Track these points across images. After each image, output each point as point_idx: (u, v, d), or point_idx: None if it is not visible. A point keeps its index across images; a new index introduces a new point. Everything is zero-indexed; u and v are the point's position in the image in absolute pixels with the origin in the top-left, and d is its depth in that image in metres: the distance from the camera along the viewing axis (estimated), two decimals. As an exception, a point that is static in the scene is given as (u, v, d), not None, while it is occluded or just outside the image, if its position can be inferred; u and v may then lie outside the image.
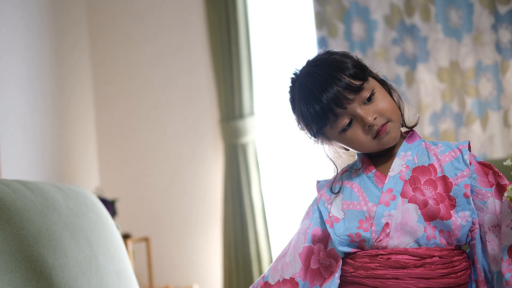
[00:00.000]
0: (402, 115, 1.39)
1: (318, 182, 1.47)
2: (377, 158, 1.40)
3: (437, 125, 3.42)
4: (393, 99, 1.37)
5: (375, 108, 1.32)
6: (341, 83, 1.30)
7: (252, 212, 3.77)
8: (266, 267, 3.72)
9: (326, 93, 1.30)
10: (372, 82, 1.35)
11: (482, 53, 3.33)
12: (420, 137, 1.41)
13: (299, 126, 1.41)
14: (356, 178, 1.39)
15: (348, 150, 1.41)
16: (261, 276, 1.48)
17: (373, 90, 1.33)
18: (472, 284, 1.35)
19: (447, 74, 3.40)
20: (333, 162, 1.44)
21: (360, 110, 1.32)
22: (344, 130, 1.33)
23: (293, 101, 1.39)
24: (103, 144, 4.10)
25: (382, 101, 1.33)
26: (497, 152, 3.29)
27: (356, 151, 1.42)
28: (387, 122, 1.33)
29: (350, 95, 1.31)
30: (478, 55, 3.34)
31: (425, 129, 3.41)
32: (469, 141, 1.39)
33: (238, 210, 3.79)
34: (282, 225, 3.83)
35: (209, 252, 3.94)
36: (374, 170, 1.37)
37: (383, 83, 1.39)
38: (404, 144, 1.38)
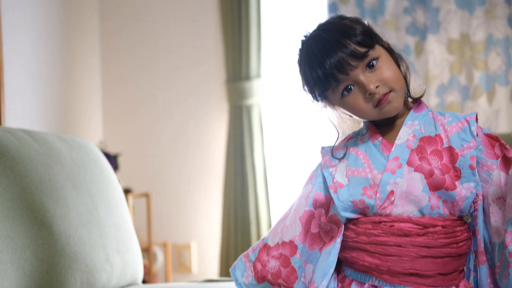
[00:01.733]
0: (407, 86, 1.38)
1: (323, 147, 1.47)
2: (383, 126, 1.39)
3: (444, 97, 3.41)
4: (400, 69, 1.36)
5: (378, 77, 1.31)
6: (346, 49, 1.30)
7: (254, 174, 3.79)
8: (264, 230, 3.75)
9: (330, 59, 1.30)
10: (378, 50, 1.34)
11: (493, 26, 3.30)
12: (427, 107, 1.40)
13: (304, 89, 1.40)
14: (362, 145, 1.38)
15: (352, 116, 1.41)
16: (261, 238, 1.49)
17: (377, 57, 1.32)
18: (470, 255, 1.37)
19: (457, 46, 3.38)
20: (335, 127, 1.44)
21: (362, 77, 1.31)
22: (344, 95, 1.33)
23: (299, 63, 1.39)
24: (108, 98, 4.10)
25: (386, 69, 1.32)
26: (502, 127, 3.28)
27: (362, 119, 1.42)
28: (390, 91, 1.32)
29: (353, 61, 1.30)
30: (490, 28, 3.31)
31: (431, 101, 3.40)
32: (477, 113, 1.38)
33: (239, 171, 3.80)
34: (282, 189, 3.85)
35: (209, 212, 3.96)
36: (380, 138, 1.37)
37: (391, 52, 1.38)
38: (412, 113, 1.37)
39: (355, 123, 1.45)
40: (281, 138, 3.88)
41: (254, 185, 3.78)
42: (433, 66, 3.40)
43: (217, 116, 3.96)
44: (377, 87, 1.31)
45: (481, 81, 3.33)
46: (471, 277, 1.37)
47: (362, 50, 1.30)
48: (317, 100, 1.40)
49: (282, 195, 3.84)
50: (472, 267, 1.37)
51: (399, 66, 1.36)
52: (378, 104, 1.32)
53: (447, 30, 3.38)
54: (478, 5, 3.31)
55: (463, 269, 1.35)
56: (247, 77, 3.79)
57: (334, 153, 1.42)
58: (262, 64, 3.82)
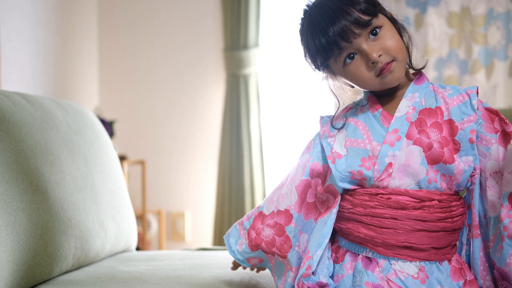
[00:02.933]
0: (409, 56, 1.37)
1: (322, 117, 1.46)
2: (383, 98, 1.39)
3: (442, 71, 3.39)
4: (402, 39, 1.35)
5: (381, 45, 1.30)
6: (350, 17, 1.28)
7: (249, 143, 3.78)
8: (258, 199, 3.76)
9: (333, 26, 1.29)
10: (382, 19, 1.33)
11: (494, 0, 3.28)
12: (428, 79, 1.39)
13: (306, 58, 1.39)
14: (361, 116, 1.38)
15: (353, 87, 1.40)
16: (256, 206, 1.49)
17: (380, 26, 1.31)
18: (464, 229, 1.37)
19: (457, 19, 3.36)
20: (336, 97, 1.43)
21: (365, 45, 1.30)
22: (346, 63, 1.32)
23: (302, 32, 1.38)
24: (104, 65, 4.07)
25: (389, 39, 1.31)
26: (499, 102, 3.28)
27: (362, 89, 1.41)
28: (392, 61, 1.31)
29: (357, 29, 1.29)
30: (491, 2, 3.29)
31: (429, 74, 3.39)
32: (478, 86, 1.37)
33: (235, 140, 3.80)
34: (278, 158, 3.85)
35: (203, 181, 3.97)
36: (381, 109, 1.36)
37: (394, 22, 1.37)
38: (412, 85, 1.37)
39: (356, 94, 1.44)
40: (278, 108, 3.88)
41: (250, 154, 3.78)
42: (432, 39, 3.38)
43: (214, 85, 3.94)
44: (379, 55, 1.30)
45: (480, 55, 3.31)
46: (463, 251, 1.37)
47: (366, 18, 1.29)
48: (319, 70, 1.39)
49: (277, 165, 3.84)
50: (464, 241, 1.37)
51: (401, 37, 1.35)
52: (380, 73, 1.31)
53: (447, 3, 3.36)
54: (479, -22, 3.28)
55: (456, 244, 1.35)
56: (245, 46, 3.77)
57: (334, 123, 1.41)
58: (261, 33, 3.80)
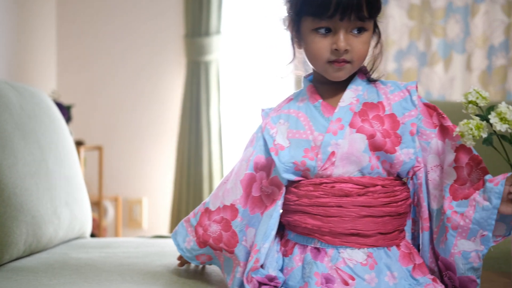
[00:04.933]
0: (373, 67, 1.39)
1: (263, 110, 1.46)
2: (324, 88, 1.40)
3: (401, 63, 3.42)
4: (372, 51, 1.37)
5: (353, 45, 1.31)
6: (359, 3, 1.28)
7: (208, 131, 3.77)
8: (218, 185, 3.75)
9: None
10: (370, 25, 1.34)
11: (454, -6, 3.32)
12: (369, 75, 1.41)
13: (285, 4, 1.37)
14: (302, 107, 1.39)
15: (300, 73, 1.40)
16: (202, 202, 1.48)
17: (367, 29, 1.32)
18: (408, 222, 1.38)
19: (417, 11, 3.39)
20: (293, 52, 1.41)
21: (343, 34, 1.30)
22: (317, 31, 1.31)
23: None
24: (62, 48, 4.00)
25: (363, 45, 1.33)
26: (456, 95, 3.32)
27: (303, 79, 1.42)
28: (349, 62, 1.33)
29: (353, 16, 1.29)
30: (450, -5, 3.33)
31: (389, 66, 3.42)
32: (417, 82, 1.40)
33: (194, 128, 3.78)
34: (237, 147, 3.84)
35: (162, 168, 3.94)
36: (320, 100, 1.37)
37: (376, 31, 1.38)
38: (356, 78, 1.38)
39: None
40: (238, 96, 3.87)
41: (209, 142, 3.77)
42: (393, 31, 3.41)
43: (175, 71, 3.91)
44: (346, 50, 1.31)
45: (439, 48, 3.35)
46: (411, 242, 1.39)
47: (366, 15, 1.30)
48: (287, 26, 1.38)
49: (236, 153, 3.83)
50: (410, 235, 1.39)
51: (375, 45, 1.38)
52: (333, 62, 1.32)
53: (408, -5, 3.39)
54: (440, -29, 3.32)
55: (404, 229, 1.37)
56: (207, 33, 3.75)
57: (275, 114, 1.41)
58: (222, 20, 3.78)
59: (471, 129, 1.21)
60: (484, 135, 1.22)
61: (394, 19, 3.40)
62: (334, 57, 1.32)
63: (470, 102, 1.25)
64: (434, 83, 3.36)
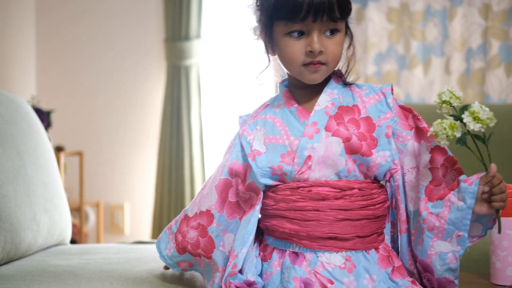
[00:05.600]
0: (347, 70, 1.40)
1: (240, 117, 1.47)
2: (299, 92, 1.40)
3: (381, 66, 3.44)
4: (346, 53, 1.38)
5: (327, 46, 1.32)
6: (331, 4, 1.28)
7: (190, 135, 3.76)
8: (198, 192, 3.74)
9: None
10: (342, 25, 1.35)
11: (432, -3, 3.35)
12: (344, 78, 1.41)
13: (257, 6, 1.36)
14: (278, 112, 1.39)
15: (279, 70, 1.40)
16: (183, 209, 1.49)
17: (339, 30, 1.33)
18: (386, 225, 1.39)
19: (396, 15, 3.41)
20: (268, 58, 1.41)
21: (317, 35, 1.31)
22: (289, 34, 1.31)
23: None
24: (41, 52, 3.98)
25: (337, 46, 1.33)
26: (435, 98, 3.33)
27: (279, 84, 1.42)
28: (324, 64, 1.33)
29: (326, 17, 1.29)
30: (429, -2, 3.35)
31: (368, 69, 3.43)
32: (392, 84, 1.41)
33: (175, 132, 3.77)
34: (218, 151, 3.84)
35: (143, 172, 3.93)
36: (296, 105, 1.38)
37: (348, 33, 1.39)
38: (331, 82, 1.39)
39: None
40: (219, 100, 3.86)
41: (190, 147, 3.76)
42: (372, 34, 3.43)
43: (155, 75, 3.90)
44: (320, 51, 1.31)
45: (418, 51, 3.37)
46: (390, 245, 1.39)
47: (338, 15, 1.31)
48: (258, 34, 1.37)
49: (217, 157, 3.83)
50: (389, 237, 1.39)
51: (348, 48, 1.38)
52: (308, 65, 1.32)
53: (387, -1, 3.41)
54: (418, -25, 3.34)
55: (382, 232, 1.37)
56: (187, 37, 3.75)
57: (252, 121, 1.42)
58: (203, 24, 3.78)
59: (445, 128, 1.21)
60: (458, 135, 1.22)
61: (374, 23, 3.42)
62: (309, 59, 1.32)
63: (444, 102, 1.25)
64: (413, 86, 3.38)
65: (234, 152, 1.42)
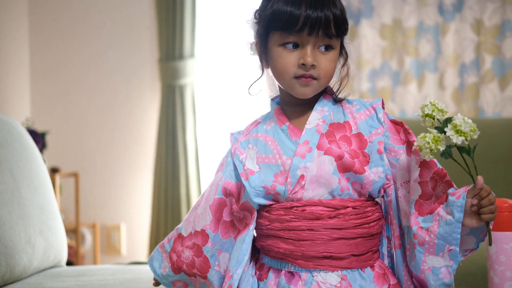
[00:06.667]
0: (339, 87, 1.39)
1: (232, 134, 1.46)
2: (291, 110, 1.39)
3: (375, 82, 3.45)
4: (340, 72, 1.38)
5: (321, 62, 1.31)
6: (331, 14, 1.28)
7: (185, 155, 3.76)
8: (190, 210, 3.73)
9: (316, 10, 1.27)
10: (338, 43, 1.34)
11: (424, 14, 3.36)
12: (335, 95, 1.41)
13: (255, 15, 1.36)
14: (270, 130, 1.38)
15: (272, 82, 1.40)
16: (176, 228, 1.47)
17: (334, 48, 1.33)
18: (383, 240, 1.38)
19: (389, 31, 3.42)
20: (261, 68, 1.40)
21: (311, 49, 1.30)
22: (284, 46, 1.31)
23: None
24: (36, 74, 3.98)
25: (330, 63, 1.33)
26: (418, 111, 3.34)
27: (270, 101, 1.42)
28: (316, 79, 1.32)
29: (322, 32, 1.29)
30: (421, 15, 3.37)
31: (362, 85, 3.44)
32: (383, 99, 1.40)
33: (171, 152, 3.77)
34: (214, 170, 3.81)
35: (139, 193, 3.92)
36: (288, 123, 1.37)
37: (343, 52, 1.38)
38: (321, 99, 1.38)
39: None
40: (214, 119, 3.86)
41: (186, 166, 3.76)
42: (366, 50, 3.44)
43: (149, 95, 3.90)
44: (313, 65, 1.30)
45: (412, 67, 3.38)
46: (386, 262, 1.38)
47: (334, 32, 1.30)
48: (254, 48, 1.37)
49: (213, 176, 3.81)
50: (386, 253, 1.38)
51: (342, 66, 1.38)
52: (299, 78, 1.31)
53: (380, 15, 3.42)
54: (410, -9, 3.37)
55: (378, 250, 1.36)
56: (181, 57, 3.75)
57: (244, 139, 1.41)
58: (196, 44, 3.79)
59: (428, 142, 1.20)
60: (442, 148, 1.20)
61: (367, 39, 3.44)
62: (301, 72, 1.31)
63: (426, 115, 1.23)
64: (408, 102, 3.39)
65: (227, 171, 1.41)
